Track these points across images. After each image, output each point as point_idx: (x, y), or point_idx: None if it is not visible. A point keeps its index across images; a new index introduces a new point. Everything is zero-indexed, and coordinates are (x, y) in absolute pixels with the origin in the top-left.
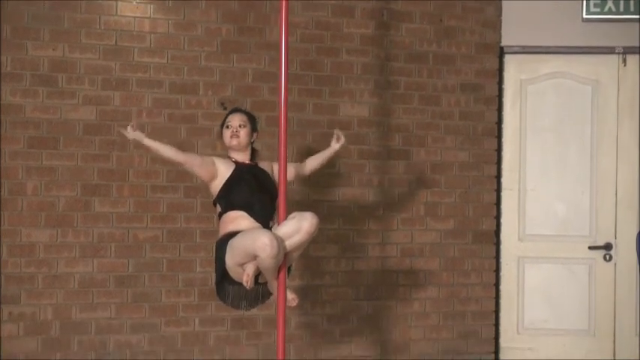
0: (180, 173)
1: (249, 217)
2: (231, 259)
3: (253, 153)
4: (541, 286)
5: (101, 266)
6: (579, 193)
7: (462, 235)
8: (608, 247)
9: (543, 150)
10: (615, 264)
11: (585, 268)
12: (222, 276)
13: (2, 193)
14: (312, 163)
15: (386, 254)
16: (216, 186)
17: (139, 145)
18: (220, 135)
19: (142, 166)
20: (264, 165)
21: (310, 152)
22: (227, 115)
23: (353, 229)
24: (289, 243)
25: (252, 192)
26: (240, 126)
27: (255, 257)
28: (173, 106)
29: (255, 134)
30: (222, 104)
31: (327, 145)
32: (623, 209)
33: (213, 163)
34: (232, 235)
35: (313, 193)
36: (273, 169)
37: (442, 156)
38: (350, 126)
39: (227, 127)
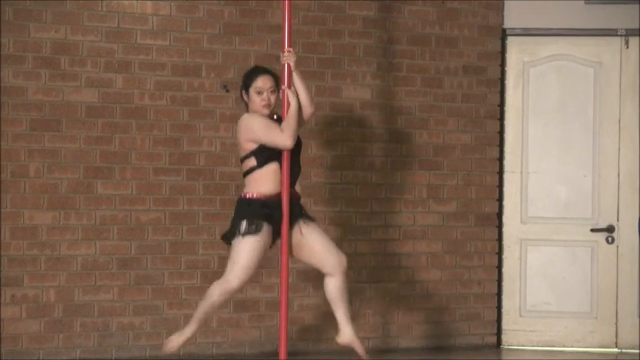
0: (182, 155)
1: (279, 171)
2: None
3: None
4: (543, 269)
5: (104, 248)
6: (581, 176)
7: (464, 218)
8: (610, 229)
9: (545, 132)
10: (617, 246)
11: (587, 250)
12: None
13: (4, 175)
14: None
15: (388, 237)
16: (252, 144)
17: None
18: (242, 92)
19: (144, 149)
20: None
21: (312, 134)
22: (253, 76)
23: (355, 212)
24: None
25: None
26: (271, 92)
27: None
28: (175, 88)
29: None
30: (225, 87)
31: (330, 127)
32: (625, 192)
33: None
34: (255, 205)
35: (315, 175)
36: None
37: (444, 138)
38: (352, 108)
39: (258, 92)
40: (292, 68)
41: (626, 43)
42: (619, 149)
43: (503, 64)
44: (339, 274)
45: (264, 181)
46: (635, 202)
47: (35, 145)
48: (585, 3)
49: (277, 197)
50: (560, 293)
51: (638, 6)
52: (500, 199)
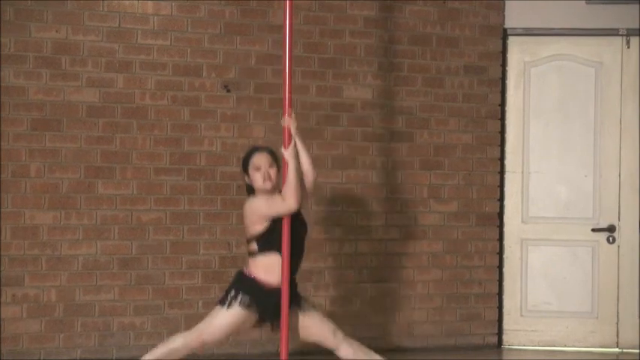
0: (183, 155)
1: (278, 266)
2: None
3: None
4: (544, 269)
5: (105, 248)
6: (582, 176)
7: (465, 218)
8: (611, 229)
9: (546, 132)
10: (619, 246)
11: (588, 250)
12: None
13: (5, 175)
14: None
15: (389, 236)
16: (259, 226)
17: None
18: (244, 175)
19: (145, 149)
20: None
21: (313, 134)
22: (250, 155)
23: (356, 211)
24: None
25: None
26: (270, 166)
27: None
28: (176, 88)
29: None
30: (226, 87)
31: (331, 127)
32: (626, 191)
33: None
34: (253, 284)
35: (317, 175)
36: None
37: (445, 138)
38: (353, 108)
39: (257, 169)
40: (293, 134)
41: (627, 43)
42: (620, 149)
43: (504, 64)
44: (342, 342)
45: (265, 271)
46: (636, 202)
47: (36, 145)
48: (586, 3)
49: (276, 289)
50: (561, 293)
51: (638, 6)
52: (501, 198)
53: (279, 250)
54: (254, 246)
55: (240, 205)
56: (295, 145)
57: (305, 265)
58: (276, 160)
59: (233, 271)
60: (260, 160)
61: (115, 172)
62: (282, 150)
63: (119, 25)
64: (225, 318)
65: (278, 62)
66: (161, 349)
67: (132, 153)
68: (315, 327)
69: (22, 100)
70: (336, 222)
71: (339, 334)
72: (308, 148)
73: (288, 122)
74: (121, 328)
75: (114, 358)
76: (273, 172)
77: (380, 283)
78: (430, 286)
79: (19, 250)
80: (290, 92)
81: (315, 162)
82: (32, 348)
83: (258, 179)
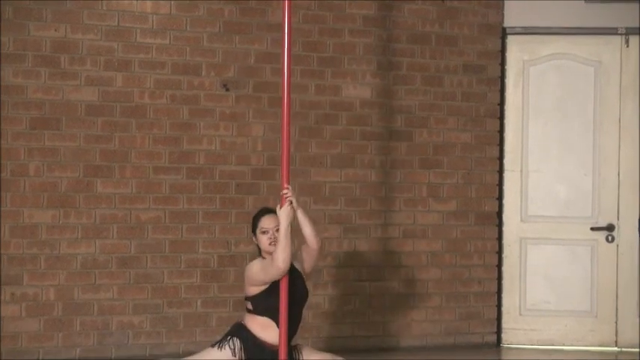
0: (182, 154)
1: (275, 327)
2: None
3: None
4: (543, 268)
5: (103, 247)
6: (582, 175)
7: (464, 217)
8: (610, 228)
9: (545, 131)
10: (617, 245)
11: (587, 249)
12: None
13: (4, 174)
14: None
15: (388, 235)
16: (255, 289)
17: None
18: (252, 236)
19: (144, 148)
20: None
21: (312, 132)
22: (258, 218)
23: (355, 210)
24: None
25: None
26: (277, 230)
27: None
28: (175, 87)
29: None
30: (225, 86)
31: (330, 126)
32: (625, 190)
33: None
34: (249, 337)
35: (315, 174)
36: (304, 260)
37: (444, 137)
38: (352, 107)
39: (263, 232)
40: (295, 207)
41: (627, 41)
42: (619, 148)
43: (503, 63)
44: None
45: (260, 329)
46: (635, 201)
47: (35, 144)
48: (585, 2)
49: (269, 347)
50: (560, 292)
51: (638, 5)
52: (500, 197)
53: (272, 317)
54: (249, 306)
55: (239, 204)
56: (293, 209)
57: None
58: None
59: (232, 270)
60: (267, 223)
61: (114, 171)
62: (277, 209)
63: (118, 23)
64: (214, 357)
65: (277, 61)
66: None
67: (131, 152)
68: None
69: (21, 99)
70: (335, 220)
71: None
72: (306, 148)
73: (288, 196)
74: (120, 327)
75: (113, 356)
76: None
77: (379, 282)
78: (429, 285)
79: (17, 249)
80: (289, 91)
81: (314, 161)
82: (31, 347)
83: (264, 242)
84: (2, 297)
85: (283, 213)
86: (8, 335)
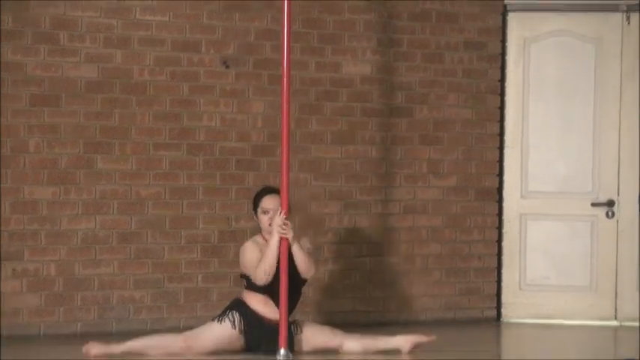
0: (182, 131)
1: (272, 303)
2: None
3: None
4: (543, 243)
5: (104, 223)
6: (582, 151)
7: (464, 193)
8: (610, 203)
9: (546, 108)
10: (618, 221)
11: (587, 225)
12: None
13: (4, 150)
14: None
15: (388, 211)
16: (246, 270)
17: None
18: (253, 214)
19: (144, 124)
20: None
21: (312, 109)
22: (259, 197)
23: (355, 186)
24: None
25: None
26: (277, 212)
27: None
28: (175, 64)
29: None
30: (225, 63)
31: (330, 103)
32: (625, 166)
33: (258, 257)
34: (248, 312)
35: (316, 150)
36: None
37: (445, 114)
38: (352, 84)
39: (264, 212)
40: (290, 242)
41: (628, 19)
42: (619, 124)
43: (503, 40)
44: (344, 338)
45: (258, 305)
46: (635, 177)
47: (35, 121)
48: None
49: (268, 322)
50: (560, 267)
51: None
52: (501, 173)
53: (269, 294)
54: (245, 282)
55: (239, 180)
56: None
57: None
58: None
59: (232, 246)
60: (268, 203)
61: (114, 147)
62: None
63: (117, 0)
64: (215, 330)
65: (277, 38)
66: (148, 340)
67: (131, 128)
68: (315, 337)
69: (21, 76)
70: (335, 197)
71: (339, 332)
72: (307, 124)
73: (285, 233)
74: (121, 302)
75: (113, 331)
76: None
77: (379, 258)
78: (429, 261)
79: (18, 225)
80: (289, 68)
81: (315, 137)
82: (32, 322)
83: (264, 222)
84: (3, 272)
85: (275, 227)
86: (9, 310)
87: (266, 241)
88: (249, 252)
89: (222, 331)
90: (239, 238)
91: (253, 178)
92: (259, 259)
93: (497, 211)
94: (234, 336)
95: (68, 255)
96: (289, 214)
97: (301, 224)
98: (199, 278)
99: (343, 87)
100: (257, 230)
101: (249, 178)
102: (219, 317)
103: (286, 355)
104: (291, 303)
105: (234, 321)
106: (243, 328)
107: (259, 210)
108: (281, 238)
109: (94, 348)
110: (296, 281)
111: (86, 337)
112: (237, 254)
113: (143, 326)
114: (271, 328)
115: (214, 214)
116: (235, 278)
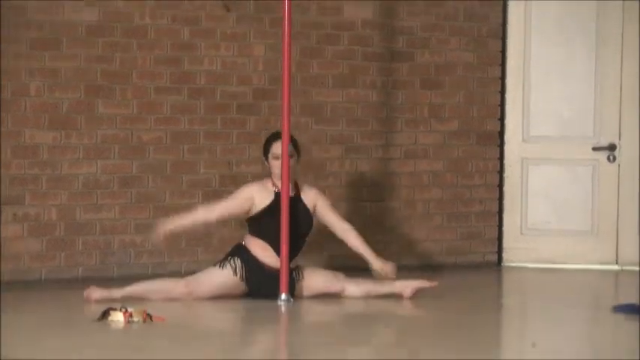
0: (183, 75)
1: (273, 252)
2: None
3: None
4: (544, 188)
5: (105, 167)
6: (583, 94)
7: (465, 137)
8: (612, 147)
9: (547, 51)
10: (619, 165)
11: (589, 169)
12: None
13: (5, 94)
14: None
15: (389, 156)
16: (252, 211)
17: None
18: (263, 159)
19: (145, 68)
20: (307, 197)
21: (314, 52)
22: (270, 143)
23: (357, 131)
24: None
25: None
26: (290, 156)
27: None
28: (176, 7)
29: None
30: (226, 6)
31: (331, 46)
32: (627, 110)
33: (250, 199)
34: (250, 258)
35: (317, 94)
36: (317, 204)
37: (446, 58)
38: (354, 27)
39: (275, 157)
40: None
41: None
42: (621, 67)
43: None
44: (345, 282)
45: (259, 251)
46: (637, 121)
47: (36, 64)
48: None
49: (269, 269)
50: (561, 211)
51: None
52: (502, 117)
53: (269, 241)
54: (247, 225)
55: (240, 125)
56: None
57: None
58: (296, 148)
59: (233, 190)
60: (279, 148)
61: (115, 91)
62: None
63: None
64: (216, 277)
65: None
66: (149, 284)
67: (132, 72)
68: (316, 283)
69: (21, 19)
70: (336, 141)
71: (341, 277)
72: (308, 68)
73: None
74: (122, 247)
75: (115, 275)
76: (292, 162)
77: (380, 202)
78: (430, 205)
79: (19, 170)
80: (290, 11)
81: (316, 81)
82: (33, 267)
83: (275, 167)
84: (4, 217)
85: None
86: (10, 255)
87: (274, 186)
88: (242, 190)
89: (224, 278)
90: (240, 182)
91: (254, 122)
92: (248, 201)
93: (498, 156)
94: (235, 282)
95: (69, 200)
96: (298, 157)
97: (302, 168)
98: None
99: (344, 30)
100: (261, 175)
101: (250, 123)
102: (221, 263)
103: (287, 300)
104: (293, 253)
105: (235, 268)
106: (244, 274)
107: (270, 155)
108: None
109: (95, 293)
110: (300, 235)
111: (87, 281)
112: None
113: (144, 271)
114: (272, 274)
115: (215, 159)
116: (237, 223)
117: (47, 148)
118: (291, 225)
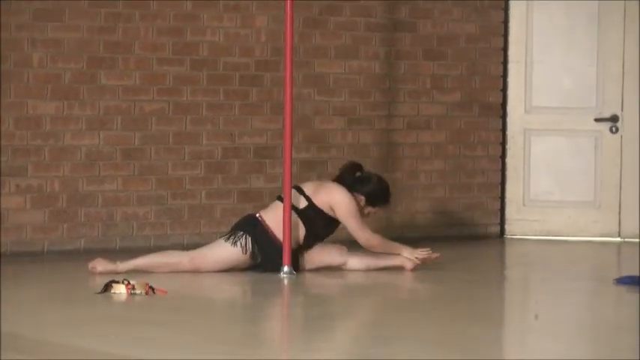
0: (186, 45)
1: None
2: None
3: None
4: (547, 159)
5: (107, 139)
6: (586, 65)
7: (468, 108)
8: (614, 119)
9: (550, 22)
10: (621, 136)
11: (591, 140)
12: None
13: (8, 65)
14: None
15: (392, 127)
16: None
17: None
18: (357, 195)
19: (147, 39)
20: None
21: (316, 23)
22: (385, 200)
23: (359, 102)
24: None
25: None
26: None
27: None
28: None
29: None
30: None
31: (334, 17)
32: (630, 81)
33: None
34: (265, 237)
35: (319, 65)
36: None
37: (449, 28)
38: None
39: (367, 213)
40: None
41: None
42: (624, 37)
43: None
44: (348, 256)
45: (273, 222)
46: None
47: (38, 35)
48: None
49: (278, 243)
50: (564, 183)
51: None
52: (505, 88)
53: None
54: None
55: (243, 96)
56: None
57: (307, 156)
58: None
59: (236, 162)
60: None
61: (117, 62)
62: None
63: None
64: (224, 254)
65: None
66: (154, 257)
67: (134, 43)
68: (320, 256)
69: None
70: (338, 112)
71: (344, 250)
72: (310, 39)
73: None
74: (125, 218)
75: (117, 247)
76: (372, 212)
77: (383, 174)
78: (433, 177)
79: (22, 141)
80: None
81: (318, 52)
82: (36, 238)
83: (363, 210)
84: (7, 188)
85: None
86: (13, 227)
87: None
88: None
89: (231, 255)
90: (242, 154)
91: (257, 94)
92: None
93: (501, 127)
94: (243, 258)
95: (72, 171)
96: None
97: (304, 139)
98: (203, 194)
99: (347, 1)
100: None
101: (253, 94)
102: (232, 238)
103: (290, 272)
104: (306, 244)
105: (245, 245)
106: (255, 251)
107: (369, 207)
108: None
109: (100, 265)
110: (319, 239)
111: (90, 253)
112: (240, 170)
113: (147, 243)
114: (281, 249)
115: (218, 130)
116: (239, 194)
117: (50, 119)
118: (308, 232)
